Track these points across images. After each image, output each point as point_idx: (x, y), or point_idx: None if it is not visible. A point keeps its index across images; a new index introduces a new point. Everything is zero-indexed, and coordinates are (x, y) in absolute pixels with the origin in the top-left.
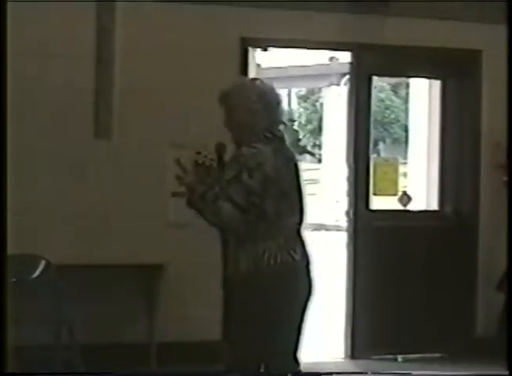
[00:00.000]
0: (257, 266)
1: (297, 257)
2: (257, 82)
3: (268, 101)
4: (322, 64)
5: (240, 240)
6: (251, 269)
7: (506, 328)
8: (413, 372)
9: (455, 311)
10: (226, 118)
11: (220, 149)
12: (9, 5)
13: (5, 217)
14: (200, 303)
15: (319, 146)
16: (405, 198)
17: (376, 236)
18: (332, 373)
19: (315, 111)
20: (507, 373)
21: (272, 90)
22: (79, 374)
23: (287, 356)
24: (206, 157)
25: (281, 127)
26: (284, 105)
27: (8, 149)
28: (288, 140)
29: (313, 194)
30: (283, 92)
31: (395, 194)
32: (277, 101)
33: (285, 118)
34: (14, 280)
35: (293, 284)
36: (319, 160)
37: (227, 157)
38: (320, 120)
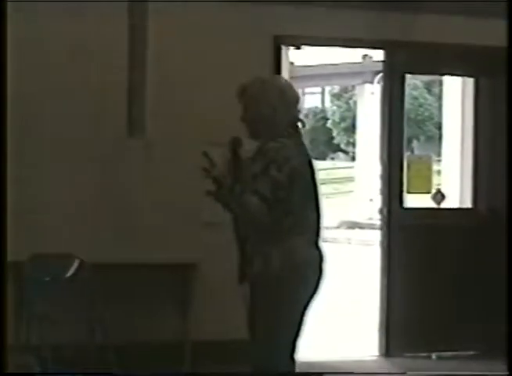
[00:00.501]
0: (289, 263)
1: (321, 253)
2: (278, 78)
3: (289, 97)
4: (355, 62)
5: (270, 236)
6: (283, 266)
7: None
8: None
9: (488, 309)
10: (245, 112)
11: (236, 143)
12: (40, 3)
13: (6, 219)
14: (234, 302)
15: (353, 144)
16: (439, 196)
17: (409, 235)
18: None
19: (349, 109)
20: (507, 373)
21: (292, 87)
22: (85, 375)
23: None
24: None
25: (299, 124)
26: (317, 102)
27: (42, 147)
28: (322, 138)
29: (347, 192)
30: (316, 90)
31: (429, 192)
32: (297, 98)
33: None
34: (47, 279)
35: (315, 281)
36: (353, 159)
37: (244, 151)
38: (354, 118)
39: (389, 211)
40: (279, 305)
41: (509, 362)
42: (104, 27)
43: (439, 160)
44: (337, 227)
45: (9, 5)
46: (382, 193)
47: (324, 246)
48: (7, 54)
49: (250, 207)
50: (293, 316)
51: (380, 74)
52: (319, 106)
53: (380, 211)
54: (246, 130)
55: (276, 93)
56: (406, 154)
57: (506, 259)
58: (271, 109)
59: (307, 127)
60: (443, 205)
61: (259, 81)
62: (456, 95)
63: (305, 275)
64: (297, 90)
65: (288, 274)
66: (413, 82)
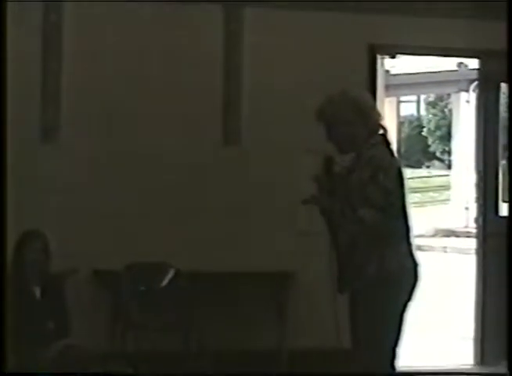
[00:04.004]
0: (401, 265)
1: (416, 260)
2: (351, 91)
3: (364, 107)
4: (450, 70)
5: (383, 240)
6: (399, 268)
7: None
8: None
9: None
10: (327, 133)
11: (328, 162)
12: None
13: (6, 220)
14: (331, 310)
15: (449, 153)
16: None
17: (505, 243)
18: None
19: (444, 117)
20: (507, 373)
21: (366, 95)
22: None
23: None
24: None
25: (382, 130)
26: (413, 111)
27: (137, 155)
28: (417, 146)
29: (443, 200)
30: (411, 99)
31: None
32: (372, 105)
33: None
34: (143, 287)
35: (411, 286)
36: (449, 167)
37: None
38: (449, 126)
39: (485, 220)
40: (389, 308)
41: (509, 362)
42: (200, 35)
43: None
44: (433, 235)
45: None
46: (478, 201)
47: (420, 254)
48: (7, 54)
49: (366, 221)
50: (399, 319)
51: (476, 83)
52: (415, 114)
53: (476, 220)
54: (337, 146)
55: (351, 108)
56: (502, 163)
57: (506, 260)
58: (349, 125)
59: (403, 135)
60: None
61: (332, 100)
62: None
63: (414, 279)
64: (371, 97)
65: (400, 277)
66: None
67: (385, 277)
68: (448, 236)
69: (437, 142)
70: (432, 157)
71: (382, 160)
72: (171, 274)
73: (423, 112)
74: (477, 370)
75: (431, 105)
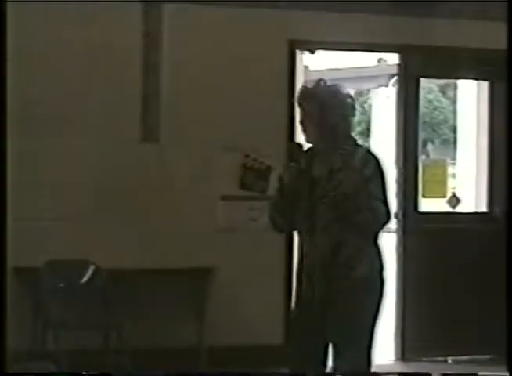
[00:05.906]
0: (383, 263)
1: None
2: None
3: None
4: (370, 66)
5: (372, 237)
6: (382, 266)
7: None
8: None
9: (505, 312)
10: (313, 117)
11: (294, 148)
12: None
13: (6, 221)
14: (251, 306)
15: None
16: (454, 200)
17: (425, 239)
18: None
19: (364, 113)
20: (507, 373)
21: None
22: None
23: None
24: (255, 160)
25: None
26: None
27: (56, 153)
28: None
29: None
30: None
31: (444, 196)
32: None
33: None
34: (62, 285)
35: None
36: None
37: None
38: (369, 122)
39: (404, 215)
40: (371, 307)
41: (509, 362)
42: (118, 33)
43: (454, 164)
44: None
45: (17, 11)
46: (397, 197)
47: None
48: (7, 54)
49: (380, 211)
50: (376, 319)
51: (395, 78)
52: None
53: (396, 215)
54: (308, 133)
55: (346, 101)
56: (421, 158)
57: (506, 260)
58: (343, 116)
59: None
60: (458, 209)
61: (331, 86)
62: (470, 99)
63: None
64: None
65: (383, 275)
66: (428, 86)
67: (373, 277)
68: None
69: (356, 137)
70: None
71: (377, 159)
72: (91, 271)
73: None
74: (398, 366)
75: None
